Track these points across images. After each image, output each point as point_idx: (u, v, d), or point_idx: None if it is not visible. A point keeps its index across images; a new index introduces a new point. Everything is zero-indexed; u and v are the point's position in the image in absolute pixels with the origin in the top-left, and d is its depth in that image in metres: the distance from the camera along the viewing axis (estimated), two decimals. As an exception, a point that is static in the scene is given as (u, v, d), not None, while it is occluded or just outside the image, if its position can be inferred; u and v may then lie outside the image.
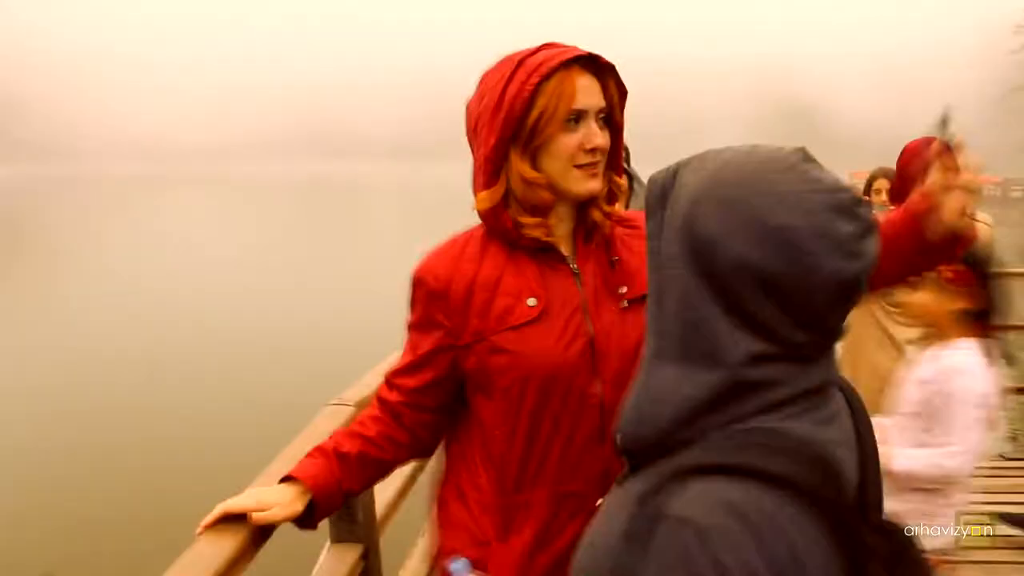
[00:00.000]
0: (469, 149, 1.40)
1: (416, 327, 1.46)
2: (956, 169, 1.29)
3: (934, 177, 1.31)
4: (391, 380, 1.50)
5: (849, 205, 0.77)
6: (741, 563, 0.68)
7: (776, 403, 0.77)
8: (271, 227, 32.28)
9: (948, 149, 1.29)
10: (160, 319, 13.23)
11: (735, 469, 0.72)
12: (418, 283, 1.44)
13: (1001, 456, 4.82)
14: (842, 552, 0.72)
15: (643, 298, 1.35)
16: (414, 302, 1.46)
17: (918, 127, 3.39)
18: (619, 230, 1.44)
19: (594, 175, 1.35)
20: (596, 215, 1.39)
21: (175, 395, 8.97)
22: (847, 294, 0.77)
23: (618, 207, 1.44)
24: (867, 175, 4.00)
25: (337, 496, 1.44)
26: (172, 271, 18.89)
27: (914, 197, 1.35)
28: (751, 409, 0.77)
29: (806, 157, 0.80)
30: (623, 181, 1.44)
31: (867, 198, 3.30)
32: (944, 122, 1.26)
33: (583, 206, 1.40)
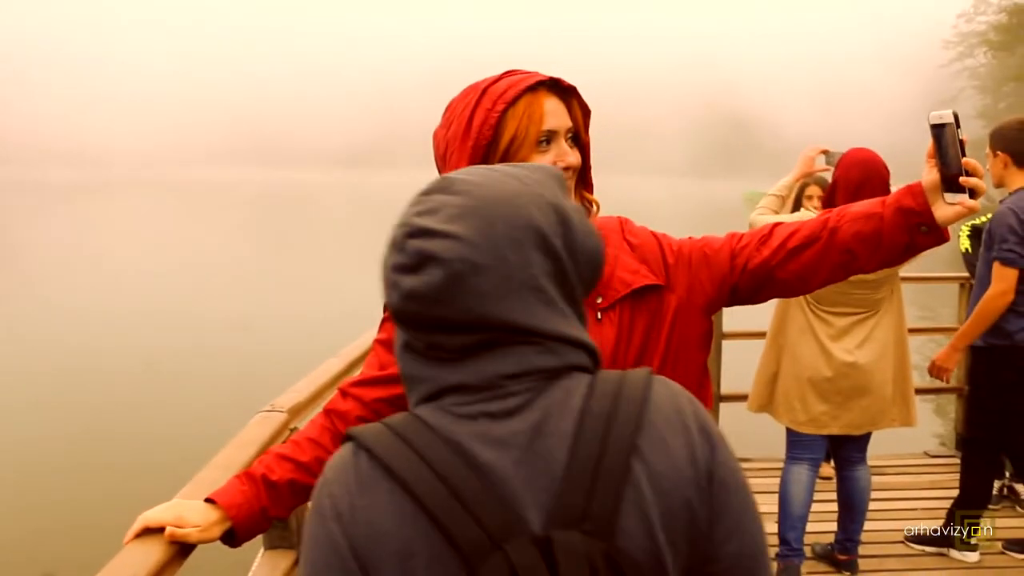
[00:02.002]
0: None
1: (387, 345, 1.45)
2: (974, 168, 1.29)
3: (930, 176, 1.32)
4: (348, 391, 1.48)
5: (399, 239, 0.86)
6: (328, 506, 0.84)
7: (427, 395, 0.86)
8: (213, 234, 31.66)
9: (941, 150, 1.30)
10: (97, 325, 12.90)
11: (360, 440, 0.85)
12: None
13: (926, 454, 5.00)
14: (443, 532, 0.79)
15: (615, 304, 1.39)
16: (387, 321, 1.45)
17: (853, 138, 3.52)
18: None
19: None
20: None
21: (113, 401, 8.79)
22: (411, 317, 0.85)
23: (592, 222, 1.45)
24: None
25: (262, 523, 1.43)
26: (106, 277, 18.41)
27: (901, 192, 1.35)
28: (417, 397, 0.88)
29: (435, 188, 0.88)
30: (595, 198, 1.47)
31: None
32: (956, 120, 1.29)
33: None
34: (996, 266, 3.29)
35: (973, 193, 1.29)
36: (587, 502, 0.80)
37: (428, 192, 0.88)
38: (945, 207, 1.32)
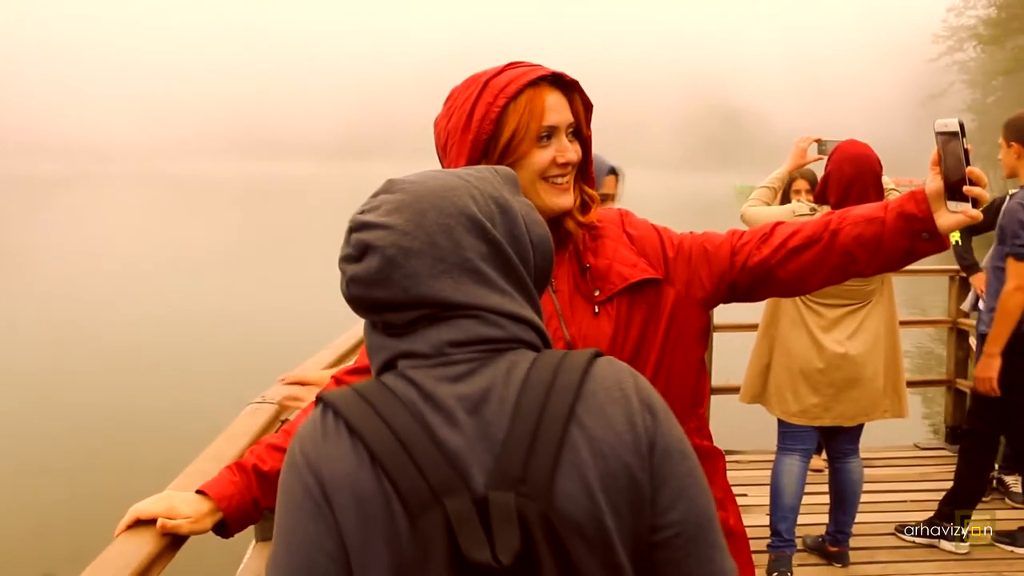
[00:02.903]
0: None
1: None
2: (978, 177, 1.30)
3: (933, 183, 1.33)
4: (342, 379, 1.50)
5: (346, 235, 0.95)
6: (299, 455, 0.92)
7: (384, 362, 0.95)
8: (206, 227, 31.51)
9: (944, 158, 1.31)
10: (90, 320, 12.84)
11: (327, 401, 0.93)
12: None
13: (916, 446, 5.02)
14: (391, 482, 0.86)
15: (612, 297, 1.38)
16: None
17: (843, 132, 3.51)
18: (586, 237, 1.44)
19: (564, 190, 1.36)
20: (570, 225, 1.41)
21: (108, 396, 8.77)
22: (357, 300, 0.95)
23: (592, 215, 1.45)
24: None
25: (254, 514, 1.43)
26: (99, 273, 18.31)
27: (905, 198, 1.36)
28: (377, 365, 0.96)
29: (380, 190, 0.98)
30: (595, 192, 1.45)
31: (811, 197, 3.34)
32: (962, 129, 1.30)
33: (558, 218, 1.40)
34: (1010, 262, 3.29)
35: (976, 202, 1.29)
36: (525, 465, 0.86)
37: (375, 194, 0.98)
38: (947, 215, 1.32)
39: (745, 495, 4.01)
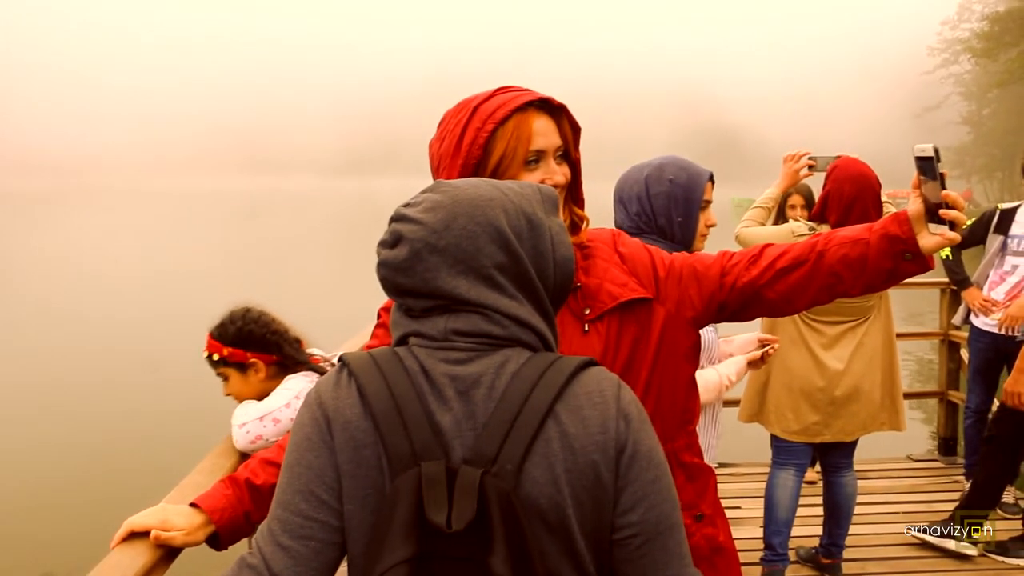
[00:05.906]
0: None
1: None
2: (954, 201, 1.33)
3: (915, 205, 1.36)
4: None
5: (389, 223, 1.06)
6: (314, 399, 1.03)
7: (399, 338, 1.06)
8: (205, 242, 31.47)
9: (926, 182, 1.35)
10: (90, 334, 12.82)
11: (344, 360, 1.05)
12: (388, 312, 1.46)
13: (909, 458, 5.03)
14: (382, 438, 0.97)
15: (602, 316, 1.40)
16: (379, 327, 1.50)
17: (839, 146, 3.55)
18: (577, 256, 1.45)
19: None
20: None
21: (107, 406, 8.79)
22: (384, 281, 1.05)
23: (581, 235, 1.47)
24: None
25: (246, 527, 1.45)
26: (100, 286, 18.29)
27: (889, 220, 1.39)
28: (395, 339, 1.08)
29: (427, 189, 1.08)
30: (584, 213, 1.48)
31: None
32: (936, 155, 1.33)
33: None
34: None
35: (953, 225, 1.33)
36: (499, 449, 0.95)
37: (423, 191, 1.08)
38: (929, 236, 1.35)
39: (738, 507, 4.02)
